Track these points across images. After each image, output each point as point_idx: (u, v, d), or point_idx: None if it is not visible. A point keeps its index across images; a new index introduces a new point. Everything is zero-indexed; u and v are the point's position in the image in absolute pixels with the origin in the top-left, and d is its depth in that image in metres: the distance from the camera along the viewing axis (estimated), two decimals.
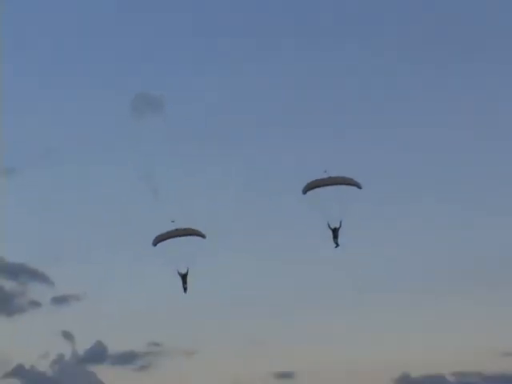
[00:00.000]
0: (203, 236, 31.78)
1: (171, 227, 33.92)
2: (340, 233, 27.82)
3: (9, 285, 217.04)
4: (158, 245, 32.36)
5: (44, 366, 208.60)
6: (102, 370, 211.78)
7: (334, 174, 31.66)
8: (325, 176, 29.61)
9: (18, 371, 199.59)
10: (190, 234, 31.55)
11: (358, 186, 28.84)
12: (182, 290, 32.46)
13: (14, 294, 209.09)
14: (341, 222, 26.75)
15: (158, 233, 34.86)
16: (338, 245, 26.82)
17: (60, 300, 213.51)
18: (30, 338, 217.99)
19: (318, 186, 28.44)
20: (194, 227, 31.63)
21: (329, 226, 26.48)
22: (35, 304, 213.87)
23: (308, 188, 28.93)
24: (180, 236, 30.77)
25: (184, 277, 31.49)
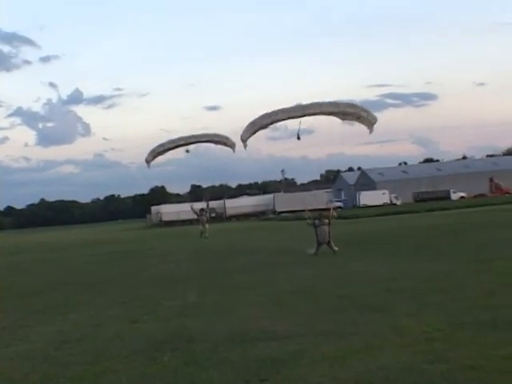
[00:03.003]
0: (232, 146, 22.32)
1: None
2: None
3: (5, 48, 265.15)
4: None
5: (37, 108, 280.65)
6: (80, 109, 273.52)
7: None
8: None
9: (18, 112, 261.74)
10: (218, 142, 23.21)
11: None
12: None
13: (11, 56, 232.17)
14: None
15: None
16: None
17: (46, 59, 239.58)
18: (25, 88, 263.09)
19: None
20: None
21: None
22: (27, 62, 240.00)
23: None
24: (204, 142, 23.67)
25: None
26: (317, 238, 14.77)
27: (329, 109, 16.11)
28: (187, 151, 23.37)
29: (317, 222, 14.34)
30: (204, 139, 23.43)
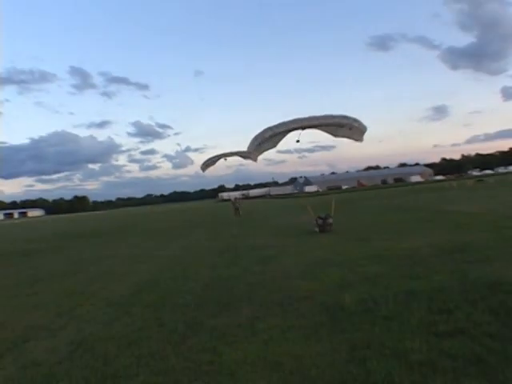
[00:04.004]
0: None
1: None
2: None
3: (161, 130, 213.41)
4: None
5: (172, 153, 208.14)
6: (189, 154, 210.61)
7: None
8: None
9: (165, 155, 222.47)
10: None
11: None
12: None
13: (162, 133, 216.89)
14: None
15: None
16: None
17: (176, 133, 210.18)
18: (168, 146, 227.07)
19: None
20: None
21: None
22: (168, 135, 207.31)
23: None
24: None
25: None
26: (318, 227, 11.73)
27: (324, 121, 8.69)
28: (225, 159, 16.92)
29: (320, 221, 11.43)
30: (235, 155, 17.26)
